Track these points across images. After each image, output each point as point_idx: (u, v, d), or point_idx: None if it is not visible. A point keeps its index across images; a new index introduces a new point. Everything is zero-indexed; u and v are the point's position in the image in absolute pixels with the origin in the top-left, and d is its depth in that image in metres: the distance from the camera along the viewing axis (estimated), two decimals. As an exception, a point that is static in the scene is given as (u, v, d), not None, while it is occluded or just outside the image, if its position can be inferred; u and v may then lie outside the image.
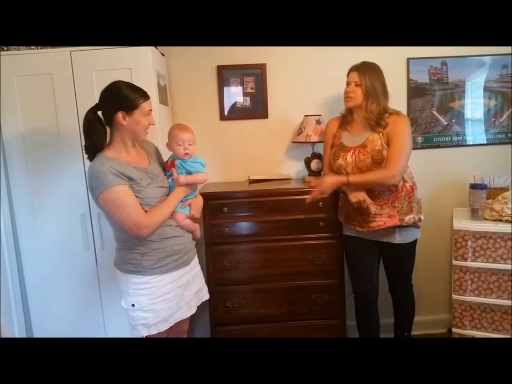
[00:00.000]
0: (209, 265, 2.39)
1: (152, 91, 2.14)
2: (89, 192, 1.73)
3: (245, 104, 2.73)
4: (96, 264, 2.27)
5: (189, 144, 1.85)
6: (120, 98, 1.68)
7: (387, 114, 2.14)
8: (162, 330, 1.78)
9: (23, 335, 2.27)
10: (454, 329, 2.52)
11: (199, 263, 2.10)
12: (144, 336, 1.78)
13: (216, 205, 2.35)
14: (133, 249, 1.75)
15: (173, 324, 1.82)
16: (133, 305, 1.75)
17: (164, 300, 1.77)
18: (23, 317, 2.29)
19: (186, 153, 1.85)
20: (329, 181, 2.12)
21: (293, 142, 2.72)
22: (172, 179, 1.86)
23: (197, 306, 2.00)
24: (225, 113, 2.73)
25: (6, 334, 2.12)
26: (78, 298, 2.30)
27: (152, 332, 1.77)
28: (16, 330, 2.23)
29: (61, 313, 2.31)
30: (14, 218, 2.25)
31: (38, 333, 2.33)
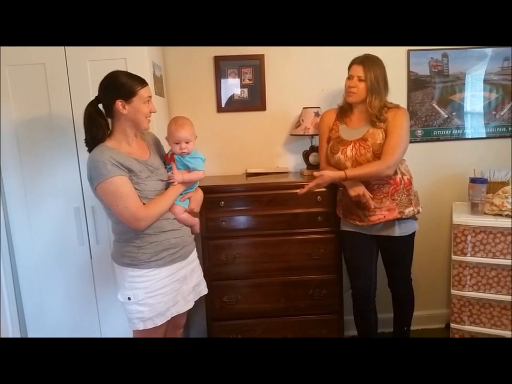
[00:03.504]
0: (206, 260, 2.36)
1: (147, 82, 2.09)
2: (88, 183, 1.71)
3: (242, 96, 2.68)
4: (91, 258, 2.23)
5: (186, 143, 1.81)
6: (117, 86, 1.67)
7: (386, 108, 2.12)
8: (159, 324, 1.76)
9: (17, 331, 2.24)
10: (452, 325, 2.51)
11: (196, 257, 2.08)
12: (140, 329, 1.76)
13: (213, 198, 2.31)
14: (130, 242, 1.73)
15: (169, 318, 1.80)
16: (129, 298, 1.74)
17: (160, 294, 1.75)
18: (16, 312, 2.25)
19: (183, 152, 1.82)
20: (327, 175, 2.08)
21: (291, 135, 2.68)
22: (172, 173, 1.82)
23: (194, 301, 1.97)
24: (223, 105, 2.69)
25: (-1, 329, 2.09)
26: (72, 292, 2.27)
27: (148, 325, 1.75)
28: (9, 325, 2.20)
29: (55, 308, 2.27)
30: (6, 211, 2.20)
31: (32, 329, 2.30)
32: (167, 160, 1.89)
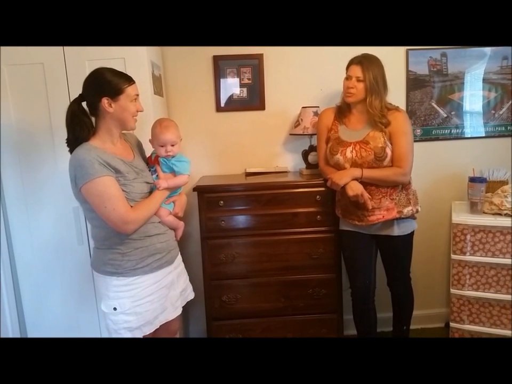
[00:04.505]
0: (205, 259, 2.36)
1: (146, 81, 2.10)
2: (70, 183, 1.63)
3: (241, 95, 2.68)
4: (90, 258, 2.23)
5: (172, 145, 1.76)
6: (104, 84, 1.61)
7: (386, 110, 2.11)
8: (147, 333, 1.70)
9: (16, 330, 2.24)
10: (451, 324, 2.51)
11: (195, 257, 2.08)
12: None
13: (212, 198, 2.31)
14: (113, 249, 1.66)
15: (158, 326, 1.74)
16: (114, 308, 1.65)
17: (147, 302, 1.68)
18: (16, 312, 2.25)
19: (169, 155, 1.77)
20: (348, 173, 2.10)
21: (290, 134, 2.68)
22: (157, 175, 1.78)
23: (191, 301, 1.96)
24: (222, 105, 2.69)
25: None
26: (72, 292, 2.27)
27: (136, 335, 1.68)
28: (9, 325, 2.20)
29: (54, 308, 2.27)
30: (6, 211, 2.20)
31: (32, 329, 2.30)
32: (150, 162, 1.83)
